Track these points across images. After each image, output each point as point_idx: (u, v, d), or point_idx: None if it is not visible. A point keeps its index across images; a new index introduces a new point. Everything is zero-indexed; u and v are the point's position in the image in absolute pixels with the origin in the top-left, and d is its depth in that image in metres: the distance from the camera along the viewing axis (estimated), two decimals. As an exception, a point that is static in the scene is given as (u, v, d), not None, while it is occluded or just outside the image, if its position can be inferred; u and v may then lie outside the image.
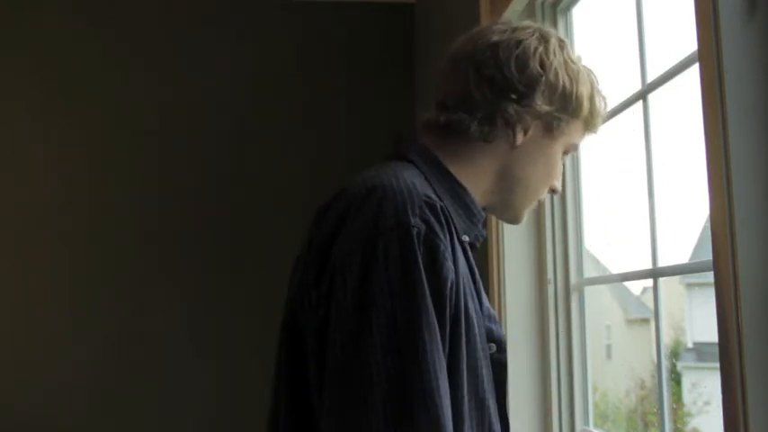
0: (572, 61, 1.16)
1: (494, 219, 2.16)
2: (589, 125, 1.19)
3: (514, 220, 1.23)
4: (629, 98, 1.75)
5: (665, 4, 1.76)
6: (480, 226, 1.14)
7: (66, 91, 3.42)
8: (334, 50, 3.57)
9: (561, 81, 1.13)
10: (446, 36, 2.93)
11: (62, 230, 3.35)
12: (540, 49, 1.13)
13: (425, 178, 1.08)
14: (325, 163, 3.48)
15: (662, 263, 1.62)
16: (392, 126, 3.52)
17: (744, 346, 1.07)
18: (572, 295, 2.08)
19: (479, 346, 1.02)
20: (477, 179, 1.14)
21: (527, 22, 1.20)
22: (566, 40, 1.20)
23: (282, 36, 3.55)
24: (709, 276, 1.18)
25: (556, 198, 2.12)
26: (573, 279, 2.08)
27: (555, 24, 2.19)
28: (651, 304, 1.65)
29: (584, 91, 1.16)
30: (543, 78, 1.12)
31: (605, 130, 1.95)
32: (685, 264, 1.61)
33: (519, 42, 1.13)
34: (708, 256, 1.21)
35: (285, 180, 3.46)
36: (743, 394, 1.07)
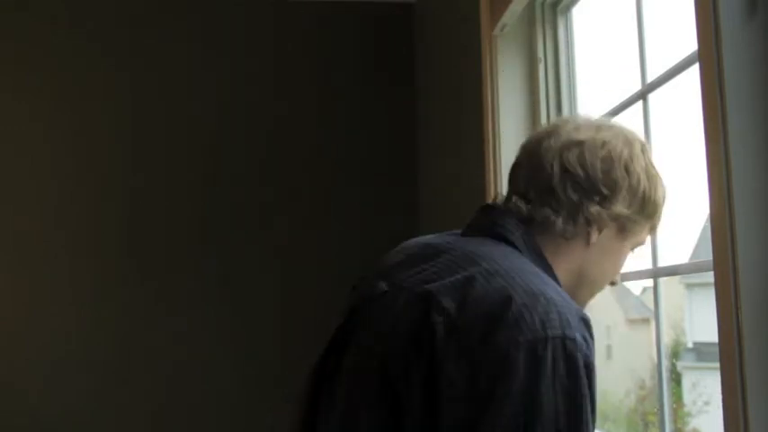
0: (652, 166, 1.18)
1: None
2: (655, 226, 1.22)
3: None
4: (629, 98, 1.75)
5: (665, 4, 1.76)
6: None
7: (65, 92, 3.42)
8: (333, 50, 3.57)
9: (642, 186, 1.15)
10: (446, 36, 2.93)
11: (63, 230, 3.35)
12: (625, 153, 1.15)
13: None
14: (326, 163, 3.48)
15: (662, 263, 1.62)
16: (392, 126, 3.52)
17: (744, 346, 1.07)
18: (572, 295, 2.07)
19: None
20: (558, 273, 1.14)
21: (608, 121, 1.21)
22: (647, 143, 1.21)
23: (281, 36, 3.55)
24: (710, 276, 1.18)
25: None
26: (573, 279, 2.08)
27: (555, 24, 2.19)
28: (651, 304, 1.65)
29: (660, 195, 1.18)
30: (626, 183, 1.14)
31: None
32: (685, 264, 1.61)
33: (604, 144, 1.15)
34: (708, 256, 1.21)
35: (285, 181, 3.46)
36: (743, 394, 1.07)
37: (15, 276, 3.31)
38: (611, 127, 1.18)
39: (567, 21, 2.18)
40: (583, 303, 1.21)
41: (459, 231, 1.18)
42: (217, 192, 3.43)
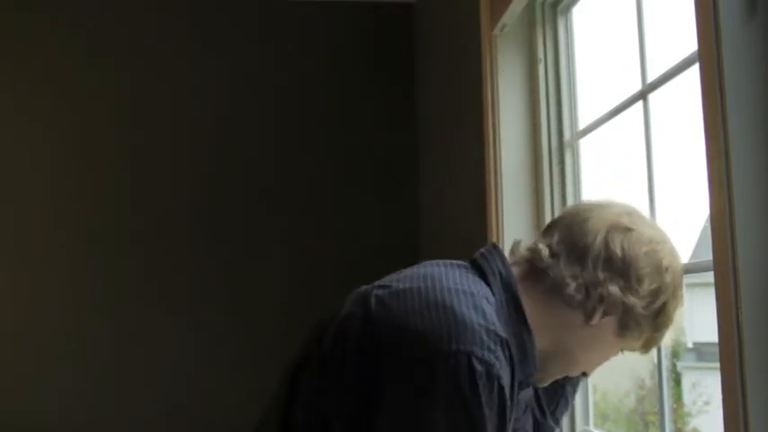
0: (681, 289, 1.18)
1: (492, 204, 2.16)
2: (653, 342, 1.21)
3: (539, 382, 1.22)
4: (629, 98, 1.75)
5: (665, 4, 1.76)
6: (530, 376, 1.13)
7: (65, 92, 3.42)
8: (333, 51, 3.57)
9: (666, 297, 1.15)
10: (446, 36, 2.93)
11: (63, 230, 3.35)
12: (665, 261, 1.15)
13: (497, 311, 1.07)
14: (326, 163, 3.48)
15: (662, 263, 1.61)
16: (392, 126, 3.52)
17: (744, 346, 1.07)
18: (572, 295, 2.07)
19: None
20: (540, 331, 1.12)
21: (662, 231, 1.20)
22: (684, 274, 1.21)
23: (281, 36, 3.55)
24: (710, 276, 1.18)
25: (557, 198, 2.13)
26: (573, 279, 2.07)
27: (555, 24, 2.19)
28: (651, 304, 1.64)
29: (674, 316, 1.18)
30: (655, 286, 1.14)
31: (605, 129, 1.94)
32: (685, 264, 1.61)
33: (651, 241, 1.15)
34: (708, 256, 1.21)
35: (285, 181, 3.46)
36: (743, 394, 1.07)
37: (15, 276, 3.31)
38: (663, 235, 1.19)
39: (567, 21, 2.18)
40: (551, 376, 1.20)
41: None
42: (217, 192, 3.43)
